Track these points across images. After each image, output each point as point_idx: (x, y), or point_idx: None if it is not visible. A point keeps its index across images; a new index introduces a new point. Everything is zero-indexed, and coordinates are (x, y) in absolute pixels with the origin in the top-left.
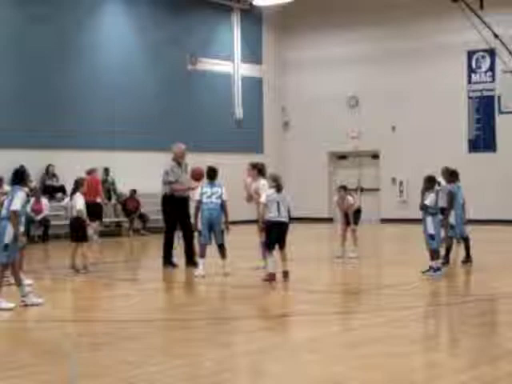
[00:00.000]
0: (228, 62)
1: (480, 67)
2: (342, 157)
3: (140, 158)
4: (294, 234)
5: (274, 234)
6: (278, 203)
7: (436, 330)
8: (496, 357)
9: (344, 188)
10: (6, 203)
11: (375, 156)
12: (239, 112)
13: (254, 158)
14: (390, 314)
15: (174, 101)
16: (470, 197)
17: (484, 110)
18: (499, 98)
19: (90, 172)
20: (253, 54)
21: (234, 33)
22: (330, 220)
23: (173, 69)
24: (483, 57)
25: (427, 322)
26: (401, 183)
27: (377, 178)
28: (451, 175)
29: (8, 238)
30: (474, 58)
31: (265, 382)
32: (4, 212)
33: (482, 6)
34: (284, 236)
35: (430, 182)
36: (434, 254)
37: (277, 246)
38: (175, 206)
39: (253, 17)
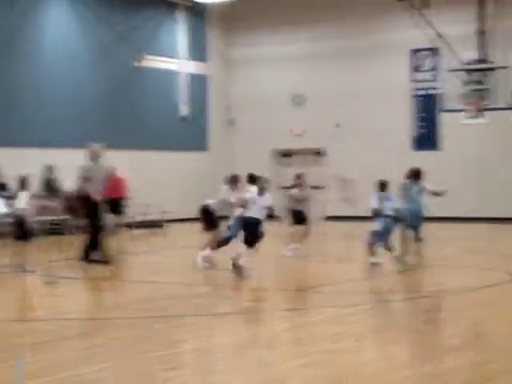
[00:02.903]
0: (173, 60)
1: (423, 66)
2: (287, 154)
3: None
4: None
5: (248, 230)
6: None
7: (380, 326)
8: (440, 352)
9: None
10: None
11: (320, 153)
12: (184, 109)
13: (198, 155)
14: (336, 311)
15: (119, 98)
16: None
17: (427, 108)
18: (442, 96)
19: None
20: (198, 51)
21: (179, 30)
22: (275, 218)
23: (118, 66)
24: (426, 55)
25: (372, 318)
26: (345, 181)
27: (321, 175)
28: (414, 174)
29: None
30: (418, 56)
31: (212, 380)
32: None
33: (425, 6)
34: (255, 232)
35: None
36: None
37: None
38: (90, 204)
39: (197, 14)
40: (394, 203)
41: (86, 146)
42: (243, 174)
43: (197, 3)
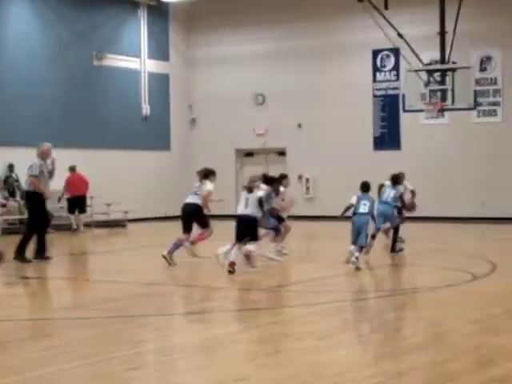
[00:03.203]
0: (135, 58)
1: (385, 66)
2: (249, 154)
3: None
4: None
5: (240, 228)
6: (247, 200)
7: (342, 325)
8: (401, 352)
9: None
10: None
11: (282, 153)
12: (146, 109)
13: (161, 154)
14: (298, 310)
15: (80, 97)
16: (375, 194)
17: (389, 108)
18: (403, 96)
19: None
20: (160, 50)
21: (141, 29)
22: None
23: (79, 64)
24: (388, 56)
25: (334, 318)
26: (307, 180)
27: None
28: (393, 179)
29: None
30: (379, 56)
31: (174, 380)
32: None
33: (386, 6)
34: (249, 229)
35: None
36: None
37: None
38: (38, 202)
39: (160, 13)
40: (369, 203)
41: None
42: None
43: (159, 2)
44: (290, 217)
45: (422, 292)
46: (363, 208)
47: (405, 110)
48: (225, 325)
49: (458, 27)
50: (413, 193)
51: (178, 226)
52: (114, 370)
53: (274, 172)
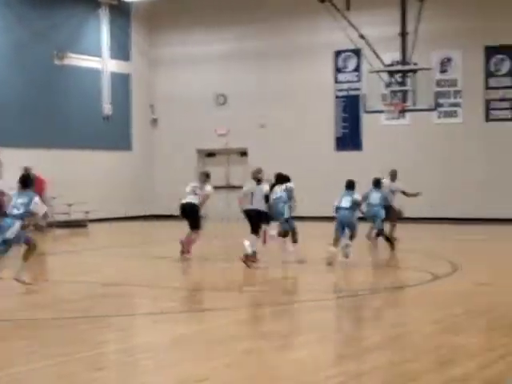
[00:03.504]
0: (96, 58)
1: (346, 67)
2: (211, 154)
3: (5, 154)
4: (162, 231)
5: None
6: (252, 194)
7: (301, 326)
8: (362, 352)
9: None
10: None
11: (244, 153)
12: (107, 108)
13: (122, 155)
14: (259, 310)
15: (41, 97)
16: (337, 194)
17: (350, 109)
18: (364, 97)
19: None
20: (121, 50)
21: (102, 28)
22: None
23: (40, 65)
24: (349, 57)
25: (296, 318)
26: (269, 181)
27: (245, 175)
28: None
29: None
30: (341, 57)
31: (136, 380)
32: None
33: (348, 7)
34: (257, 223)
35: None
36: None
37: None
38: None
39: (121, 12)
40: (351, 198)
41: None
42: (166, 173)
43: (121, 2)
44: None
45: (383, 292)
46: (345, 203)
47: (366, 111)
48: (187, 325)
49: (419, 29)
50: (404, 193)
51: (139, 225)
52: (78, 370)
53: (235, 173)
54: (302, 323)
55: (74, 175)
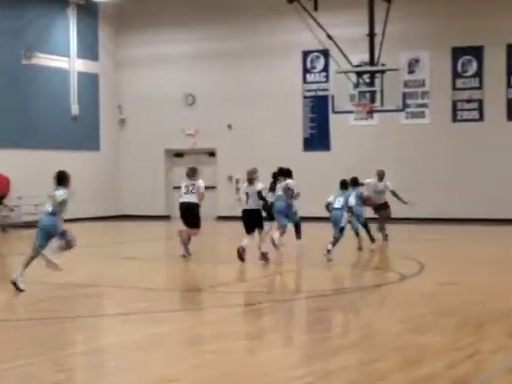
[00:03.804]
0: (64, 58)
1: (315, 67)
2: (179, 154)
3: None
4: (131, 232)
5: (245, 220)
6: (247, 194)
7: (271, 326)
8: (330, 351)
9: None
10: None
11: (212, 154)
12: (75, 108)
13: (90, 155)
14: (226, 311)
15: (8, 97)
16: (305, 194)
17: (318, 109)
18: (332, 97)
19: None
20: (89, 49)
21: (70, 28)
22: (167, 218)
23: (7, 64)
24: (317, 57)
25: (264, 318)
26: (237, 181)
27: (213, 175)
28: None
29: None
30: (309, 58)
31: (103, 381)
32: None
33: (316, 8)
34: (255, 221)
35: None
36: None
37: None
38: None
39: (89, 12)
40: (343, 199)
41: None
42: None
43: (88, 1)
44: (221, 217)
45: (351, 292)
46: (338, 203)
47: (334, 112)
48: (156, 325)
49: (387, 29)
50: (395, 194)
51: (107, 226)
52: (44, 372)
53: (203, 173)
54: (270, 324)
55: (42, 175)
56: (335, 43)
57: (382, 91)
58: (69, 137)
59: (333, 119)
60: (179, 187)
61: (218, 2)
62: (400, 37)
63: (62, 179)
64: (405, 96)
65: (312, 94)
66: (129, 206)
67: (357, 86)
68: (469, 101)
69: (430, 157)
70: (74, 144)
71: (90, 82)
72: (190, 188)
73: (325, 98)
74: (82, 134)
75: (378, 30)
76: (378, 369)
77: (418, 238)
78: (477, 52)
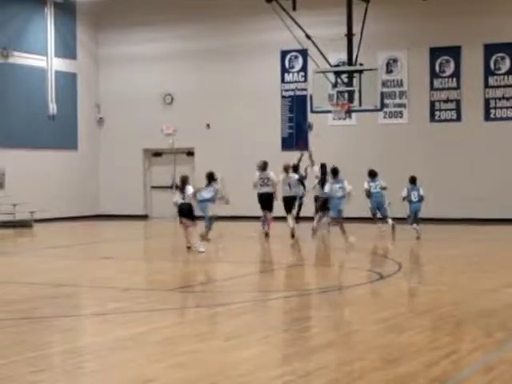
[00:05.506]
0: (41, 57)
1: (293, 67)
2: (157, 154)
3: None
4: (108, 231)
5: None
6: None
7: (250, 326)
8: (309, 351)
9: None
10: None
11: (190, 153)
12: (53, 108)
13: (67, 154)
14: (205, 310)
15: None
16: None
17: (297, 109)
18: (311, 97)
19: None
20: (67, 48)
21: (48, 27)
22: (145, 217)
23: None
24: (296, 57)
25: (242, 318)
26: (216, 180)
27: (192, 175)
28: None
29: None
30: (288, 57)
31: (80, 382)
32: None
33: (294, 8)
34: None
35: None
36: None
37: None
38: None
39: (67, 11)
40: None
41: None
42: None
43: (66, 0)
44: (199, 217)
45: (329, 292)
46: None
47: (312, 111)
48: (133, 325)
49: (365, 29)
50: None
51: (85, 225)
52: (19, 372)
53: (181, 172)
54: (246, 323)
55: (19, 175)
56: (313, 43)
57: (360, 91)
58: (46, 136)
59: (311, 119)
60: (157, 187)
61: (196, 1)
62: (378, 37)
63: None
64: (383, 96)
65: (290, 93)
66: (107, 205)
67: (335, 85)
68: (446, 101)
69: (407, 156)
70: (52, 143)
71: (67, 81)
72: (266, 181)
73: (303, 97)
74: (60, 133)
75: (356, 29)
76: (357, 368)
77: (396, 238)
78: (454, 52)
